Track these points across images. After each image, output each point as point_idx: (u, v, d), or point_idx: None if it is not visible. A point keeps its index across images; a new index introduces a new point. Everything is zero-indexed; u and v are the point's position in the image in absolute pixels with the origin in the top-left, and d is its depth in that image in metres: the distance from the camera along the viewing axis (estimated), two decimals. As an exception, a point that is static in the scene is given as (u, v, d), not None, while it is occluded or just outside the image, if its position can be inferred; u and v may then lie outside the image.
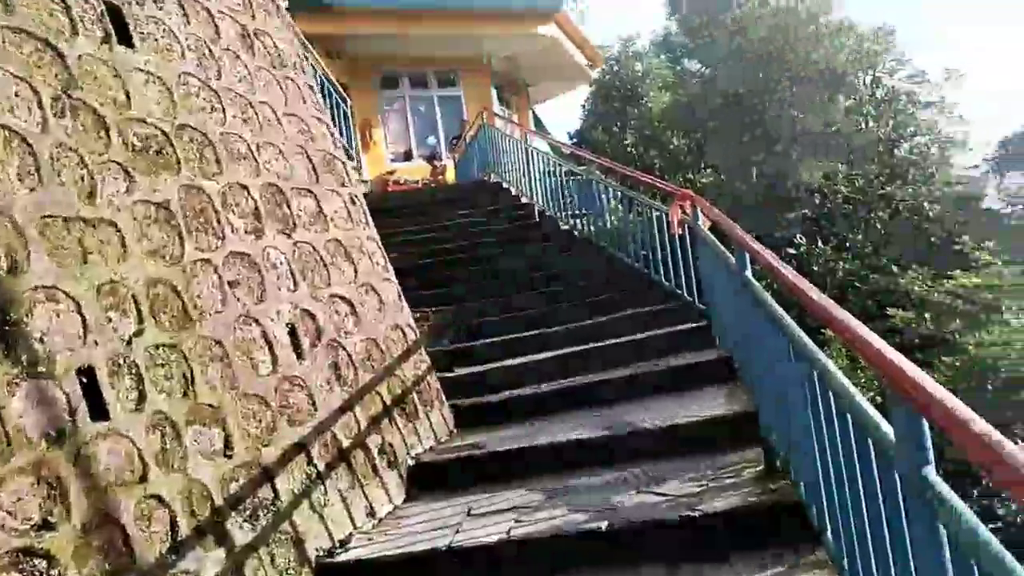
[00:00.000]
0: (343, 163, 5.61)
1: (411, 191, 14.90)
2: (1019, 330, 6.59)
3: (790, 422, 3.11)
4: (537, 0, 16.95)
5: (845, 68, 11.43)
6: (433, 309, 6.98)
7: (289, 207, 4.70)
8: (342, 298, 4.83)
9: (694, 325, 6.09)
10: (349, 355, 4.62)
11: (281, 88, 5.28)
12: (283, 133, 5.03)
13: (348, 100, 12.79)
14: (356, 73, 16.36)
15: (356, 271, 5.11)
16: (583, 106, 21.17)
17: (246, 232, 4.24)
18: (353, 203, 5.51)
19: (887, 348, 1.70)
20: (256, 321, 4.01)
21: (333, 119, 11.50)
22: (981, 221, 10.19)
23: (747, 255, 3.87)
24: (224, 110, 4.50)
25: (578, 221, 9.09)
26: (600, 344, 6.12)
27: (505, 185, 11.48)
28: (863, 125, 11.17)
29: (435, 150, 17.64)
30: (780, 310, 3.07)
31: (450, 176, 16.33)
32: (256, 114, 4.83)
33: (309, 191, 4.99)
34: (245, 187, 4.38)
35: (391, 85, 17.72)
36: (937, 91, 10.59)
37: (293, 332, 4.25)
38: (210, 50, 4.62)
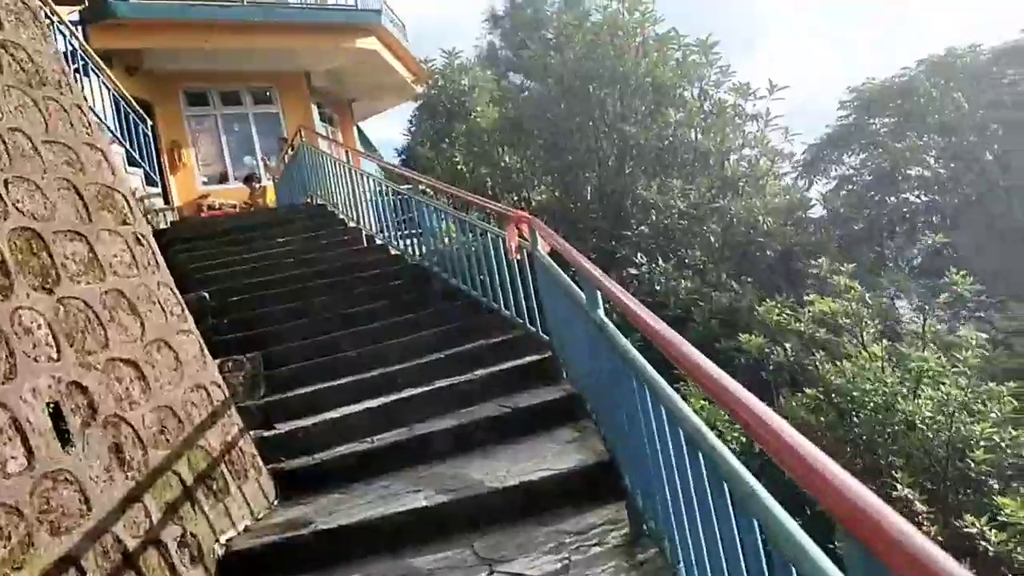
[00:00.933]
0: (125, 196, 4.76)
1: (227, 216, 13.79)
2: (883, 357, 6.55)
3: (654, 488, 2.67)
4: (356, 13, 16.25)
5: (673, 81, 11.48)
6: (248, 355, 6.15)
7: (50, 255, 3.84)
8: (125, 361, 4.00)
9: (538, 357, 5.67)
10: (135, 431, 3.81)
11: (40, 111, 4.40)
12: (42, 165, 4.15)
13: (149, 120, 11.60)
14: (160, 90, 15.06)
15: (143, 326, 4.29)
16: (410, 122, 20.55)
17: (-13, 292, 3.38)
18: (139, 244, 4.68)
19: (828, 463, 1.24)
20: (3, 406, 3.17)
21: (132, 141, 10.40)
22: (809, 231, 10.46)
23: (599, 293, 3.43)
24: (-44, 139, 3.62)
25: (410, 247, 8.48)
26: (439, 385, 5.57)
27: (330, 208, 10.69)
28: (694, 138, 11.27)
29: (253, 171, 16.52)
30: (651, 370, 2.62)
31: (271, 198, 15.28)
32: (4, 143, 3.94)
33: (78, 234, 4.14)
34: (-14, 235, 3.52)
35: (200, 102, 16.45)
36: (762, 103, 10.87)
37: (57, 412, 3.42)
38: (-65, 65, 3.71)
